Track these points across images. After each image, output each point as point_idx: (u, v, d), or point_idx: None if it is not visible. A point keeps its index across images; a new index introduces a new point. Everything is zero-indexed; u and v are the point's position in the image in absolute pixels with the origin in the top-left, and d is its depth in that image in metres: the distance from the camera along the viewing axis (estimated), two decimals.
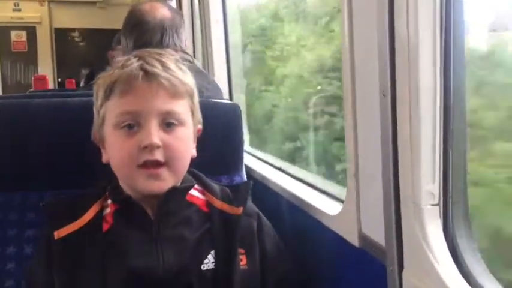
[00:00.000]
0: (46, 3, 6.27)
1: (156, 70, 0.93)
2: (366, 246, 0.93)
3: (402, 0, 0.74)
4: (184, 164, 0.99)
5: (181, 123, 0.95)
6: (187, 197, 1.01)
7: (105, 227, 0.96)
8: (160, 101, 0.93)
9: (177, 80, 0.94)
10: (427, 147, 0.75)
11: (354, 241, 0.96)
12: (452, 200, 0.77)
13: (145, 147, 0.91)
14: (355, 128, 0.91)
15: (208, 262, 0.96)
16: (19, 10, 6.15)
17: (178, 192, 0.99)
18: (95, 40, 6.60)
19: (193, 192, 1.03)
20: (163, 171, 0.93)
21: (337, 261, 1.08)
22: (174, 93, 0.94)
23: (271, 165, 1.63)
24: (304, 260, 1.15)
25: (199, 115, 1.04)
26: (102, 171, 1.15)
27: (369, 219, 0.92)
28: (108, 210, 0.98)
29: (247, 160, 1.56)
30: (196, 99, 1.02)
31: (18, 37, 6.20)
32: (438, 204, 0.77)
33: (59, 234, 0.93)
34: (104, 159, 1.00)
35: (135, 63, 0.94)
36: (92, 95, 1.36)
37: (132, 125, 0.92)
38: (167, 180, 0.94)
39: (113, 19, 5.62)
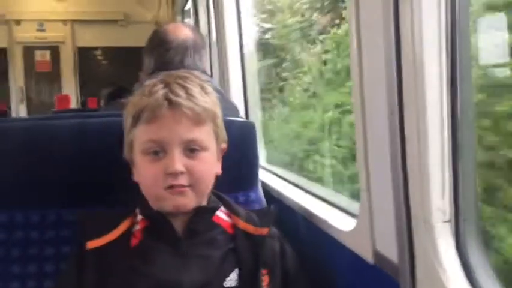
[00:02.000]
0: (69, 23, 6.42)
1: (179, 100, 0.97)
2: (379, 263, 0.93)
3: (408, 21, 0.75)
4: (208, 185, 1.04)
5: (204, 148, 1.00)
6: (214, 218, 1.05)
7: (134, 242, 1.01)
8: (184, 129, 0.97)
9: (199, 107, 0.99)
10: (435, 163, 0.75)
11: (368, 258, 0.96)
12: (464, 216, 0.76)
13: (170, 173, 0.96)
14: (366, 146, 0.92)
15: (232, 280, 0.99)
16: (43, 30, 6.31)
17: (205, 212, 1.04)
18: (117, 57, 6.73)
19: (220, 214, 1.07)
20: (188, 191, 0.99)
21: (351, 277, 1.08)
22: (197, 121, 0.99)
23: (287, 180, 1.63)
24: (318, 276, 1.15)
25: (223, 134, 1.08)
26: (122, 189, 1.17)
27: (382, 236, 0.92)
28: (138, 226, 1.03)
29: (263, 176, 1.57)
30: (220, 120, 1.06)
31: (42, 57, 6.34)
32: (450, 221, 0.77)
33: (91, 245, 0.98)
34: (135, 178, 1.06)
35: (160, 91, 0.99)
36: (112, 115, 1.41)
37: (158, 151, 0.98)
38: (192, 199, 0.99)
39: (133, 37, 5.73)
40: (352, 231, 1.04)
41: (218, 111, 1.05)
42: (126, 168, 1.18)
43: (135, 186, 1.09)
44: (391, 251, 0.88)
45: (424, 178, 0.76)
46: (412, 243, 0.81)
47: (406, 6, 0.76)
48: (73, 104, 5.60)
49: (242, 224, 1.05)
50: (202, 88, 1.03)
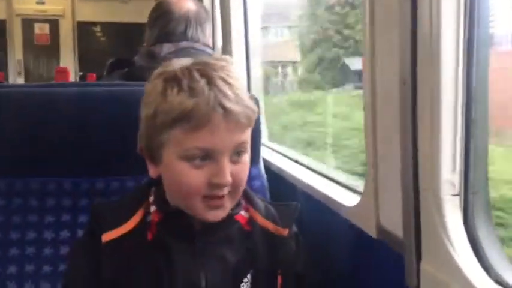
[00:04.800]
0: None
1: (232, 106, 0.86)
2: (383, 237, 0.92)
3: None
4: (244, 186, 0.95)
5: (247, 150, 0.92)
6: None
7: (150, 235, 0.94)
8: (236, 136, 0.88)
9: (249, 111, 0.89)
10: (447, 136, 0.74)
11: (372, 232, 0.95)
12: (473, 190, 0.75)
13: (217, 184, 0.87)
14: (375, 117, 0.90)
15: (248, 281, 0.95)
16: (42, 3, 6.24)
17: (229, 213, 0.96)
18: (116, 33, 6.68)
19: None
20: (227, 200, 0.91)
21: (354, 252, 1.08)
22: (248, 126, 0.90)
23: (288, 157, 1.63)
24: (321, 251, 1.15)
25: None
26: (123, 159, 1.16)
27: (387, 210, 0.91)
28: (150, 218, 0.95)
29: (265, 153, 1.56)
30: None
31: (41, 30, 6.29)
32: (459, 195, 0.76)
33: (105, 238, 0.92)
34: (153, 174, 0.95)
35: (206, 91, 0.85)
36: (112, 85, 1.39)
37: (204, 157, 0.87)
38: (227, 208, 0.92)
39: (134, 13, 5.67)
40: (355, 206, 1.03)
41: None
42: (127, 138, 1.16)
43: (135, 157, 1.08)
44: (396, 225, 0.87)
45: (435, 150, 0.75)
46: (418, 216, 0.80)
47: None
48: (72, 79, 5.56)
49: (260, 220, 0.98)
50: (237, 80, 0.92)
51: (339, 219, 1.09)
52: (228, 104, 0.85)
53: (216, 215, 0.90)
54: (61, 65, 6.15)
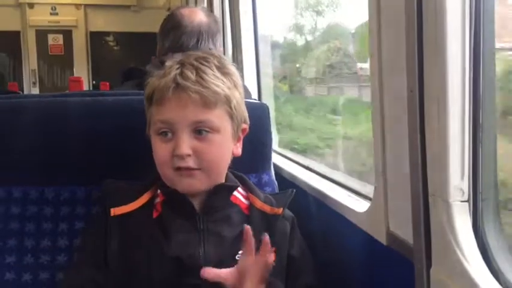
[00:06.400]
0: (82, 7, 6.43)
1: (186, 83, 0.96)
2: (393, 244, 0.92)
3: None
4: (220, 167, 1.04)
5: (214, 130, 0.99)
6: (232, 198, 1.07)
7: (155, 214, 1.04)
8: (190, 112, 0.97)
9: (209, 91, 0.97)
10: (455, 142, 0.74)
11: (382, 239, 0.96)
12: (482, 196, 0.76)
13: (177, 155, 0.97)
14: (383, 125, 0.91)
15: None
16: (56, 14, 6.33)
17: (223, 189, 1.05)
18: (129, 43, 6.75)
19: (238, 194, 1.08)
20: (199, 174, 1.00)
21: (364, 259, 1.08)
22: (205, 104, 0.98)
23: (299, 164, 1.63)
24: (331, 257, 1.15)
25: (241, 115, 1.05)
26: (136, 168, 1.18)
27: (397, 217, 0.92)
28: (158, 199, 1.06)
29: (276, 159, 1.56)
30: (237, 102, 1.03)
31: (55, 40, 6.38)
32: (468, 201, 0.76)
33: (114, 212, 1.02)
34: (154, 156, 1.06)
35: (172, 73, 0.99)
36: (125, 94, 1.41)
37: (167, 132, 0.99)
38: (202, 181, 1.00)
39: (146, 23, 5.74)
40: (365, 212, 1.04)
41: (234, 93, 1.02)
42: (139, 146, 1.18)
43: (148, 164, 1.09)
44: (405, 232, 0.87)
45: (443, 157, 0.75)
46: (428, 223, 0.80)
47: None
48: (85, 88, 5.62)
49: (259, 204, 1.07)
50: (220, 69, 1.01)
51: (349, 225, 1.09)
52: (182, 81, 0.97)
53: (187, 184, 1.00)
54: (75, 74, 6.22)
